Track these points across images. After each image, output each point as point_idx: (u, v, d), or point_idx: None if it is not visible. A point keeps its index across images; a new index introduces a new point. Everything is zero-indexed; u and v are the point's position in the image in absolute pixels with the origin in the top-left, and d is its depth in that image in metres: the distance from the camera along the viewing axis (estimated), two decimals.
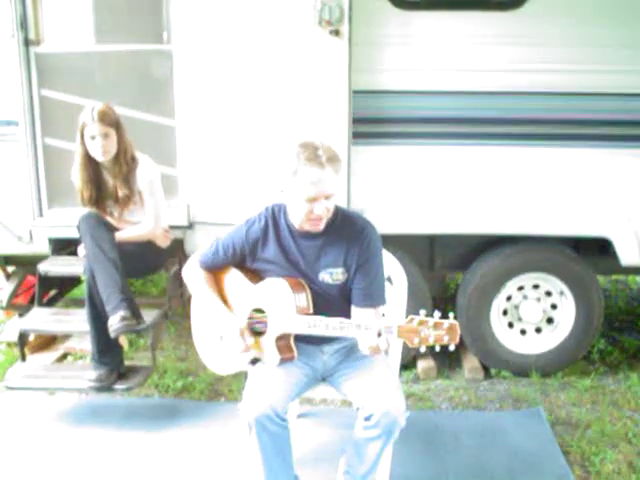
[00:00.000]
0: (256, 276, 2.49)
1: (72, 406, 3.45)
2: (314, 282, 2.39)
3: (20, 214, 3.68)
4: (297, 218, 2.34)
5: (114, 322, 3.00)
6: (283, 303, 2.33)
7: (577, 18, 3.32)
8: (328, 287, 2.39)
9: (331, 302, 2.39)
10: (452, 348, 2.08)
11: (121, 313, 3.01)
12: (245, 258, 2.49)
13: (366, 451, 2.31)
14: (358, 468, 2.39)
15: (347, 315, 2.36)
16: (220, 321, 2.48)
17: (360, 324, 2.18)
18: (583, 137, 3.45)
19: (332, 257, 2.38)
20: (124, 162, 3.22)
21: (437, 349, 2.09)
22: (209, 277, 2.57)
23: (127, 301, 3.06)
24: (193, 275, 2.59)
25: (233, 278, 2.54)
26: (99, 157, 3.18)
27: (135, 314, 3.10)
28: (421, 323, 2.06)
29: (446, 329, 2.04)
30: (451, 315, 2.09)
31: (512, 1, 3.30)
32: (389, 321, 2.14)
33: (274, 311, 2.37)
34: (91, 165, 3.23)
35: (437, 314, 2.08)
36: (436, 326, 2.04)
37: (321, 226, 2.34)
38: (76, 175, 3.27)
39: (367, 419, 2.23)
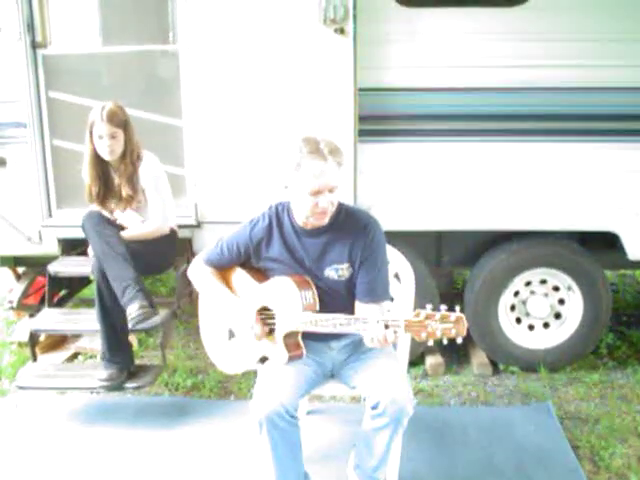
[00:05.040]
0: (262, 275, 2.51)
1: (83, 405, 3.48)
2: (319, 279, 2.40)
3: (29, 215, 3.70)
4: (302, 213, 2.35)
5: (133, 311, 3.02)
6: (290, 301, 2.33)
7: (581, 13, 3.31)
8: (334, 283, 2.41)
9: (337, 299, 2.40)
10: (460, 341, 2.07)
11: (139, 302, 3.02)
12: (250, 257, 2.51)
13: (375, 442, 2.31)
14: (368, 462, 2.40)
15: (352, 312, 2.37)
16: (232, 310, 2.49)
17: (367, 318, 2.18)
18: (589, 132, 3.45)
19: (337, 253, 2.39)
20: (130, 162, 3.24)
21: (445, 342, 2.09)
22: (216, 273, 2.59)
23: (143, 291, 3.08)
24: (199, 272, 2.61)
25: (239, 278, 2.56)
26: (105, 156, 3.21)
27: (151, 304, 3.11)
28: (428, 317, 2.06)
29: (453, 322, 2.04)
30: (457, 308, 2.09)
31: None
32: (396, 315, 2.14)
33: (281, 309, 2.38)
34: (99, 163, 3.26)
35: (443, 307, 2.08)
36: (443, 319, 2.05)
37: (326, 220, 2.35)
38: (85, 172, 3.31)
39: (374, 407, 2.23)
